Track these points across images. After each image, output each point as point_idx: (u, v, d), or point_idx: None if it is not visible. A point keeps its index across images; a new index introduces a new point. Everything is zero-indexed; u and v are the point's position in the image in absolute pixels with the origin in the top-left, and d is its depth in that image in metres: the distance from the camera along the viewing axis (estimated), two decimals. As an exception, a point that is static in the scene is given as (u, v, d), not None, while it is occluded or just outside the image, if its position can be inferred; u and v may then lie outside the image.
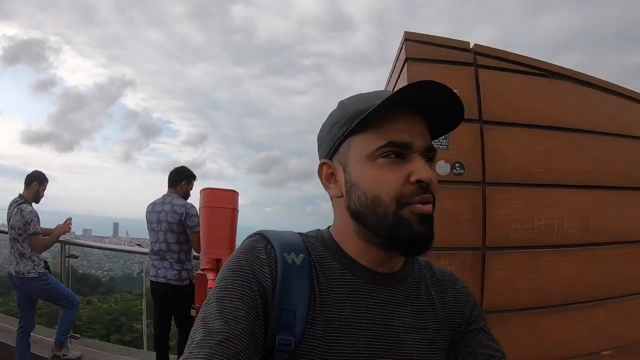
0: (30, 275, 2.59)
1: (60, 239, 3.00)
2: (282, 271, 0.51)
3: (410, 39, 1.39)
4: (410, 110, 0.52)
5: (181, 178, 2.67)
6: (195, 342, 0.43)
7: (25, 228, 2.60)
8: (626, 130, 1.72)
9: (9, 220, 2.68)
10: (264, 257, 0.51)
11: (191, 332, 0.46)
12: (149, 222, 2.61)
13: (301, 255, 0.53)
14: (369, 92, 0.56)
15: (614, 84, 1.74)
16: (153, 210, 2.61)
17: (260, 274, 0.50)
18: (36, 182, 2.78)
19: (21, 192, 2.76)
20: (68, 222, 3.00)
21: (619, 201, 1.64)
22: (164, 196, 2.64)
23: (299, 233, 0.58)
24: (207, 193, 2.30)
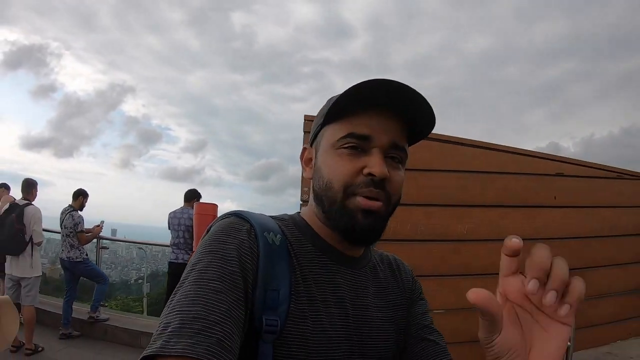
0: (78, 259, 3.68)
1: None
2: (264, 251, 0.50)
3: (309, 119, 2.40)
4: (383, 108, 0.53)
5: (193, 197, 3.99)
6: (171, 329, 0.40)
7: (74, 228, 3.70)
8: (459, 167, 2.68)
9: (62, 222, 3.79)
10: (244, 237, 0.50)
11: (165, 313, 0.42)
12: (172, 224, 3.86)
13: (279, 235, 0.53)
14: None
15: (454, 137, 2.71)
16: (175, 216, 3.87)
17: (242, 254, 0.48)
18: (82, 196, 3.89)
19: (70, 203, 3.87)
20: (101, 225, 4.13)
21: (443, 214, 2.59)
22: (182, 208, 3.92)
23: (270, 216, 0.58)
24: (198, 205, 3.40)
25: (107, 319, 3.82)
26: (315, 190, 0.57)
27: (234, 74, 53.59)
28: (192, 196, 3.97)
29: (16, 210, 3.27)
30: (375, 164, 0.51)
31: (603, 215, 3.12)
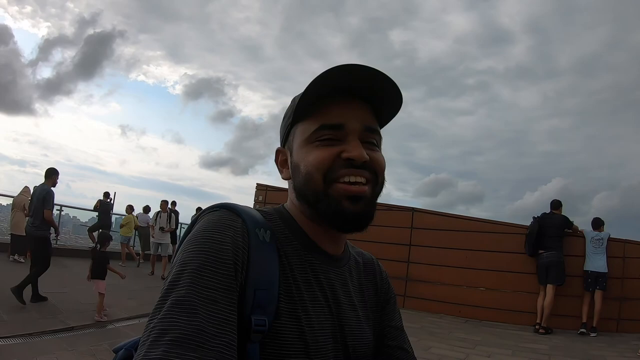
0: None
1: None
2: (254, 249, 0.49)
3: (260, 188, 7.07)
4: (349, 96, 0.54)
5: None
6: (171, 338, 0.38)
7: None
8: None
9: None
10: (238, 235, 0.48)
11: (157, 316, 0.41)
12: None
13: (268, 232, 0.52)
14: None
15: (264, 184, 6.28)
16: None
17: (236, 254, 0.46)
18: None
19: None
20: None
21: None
22: None
23: (256, 209, 0.56)
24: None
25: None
26: (297, 188, 0.56)
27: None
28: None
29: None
30: (352, 148, 0.51)
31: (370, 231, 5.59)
